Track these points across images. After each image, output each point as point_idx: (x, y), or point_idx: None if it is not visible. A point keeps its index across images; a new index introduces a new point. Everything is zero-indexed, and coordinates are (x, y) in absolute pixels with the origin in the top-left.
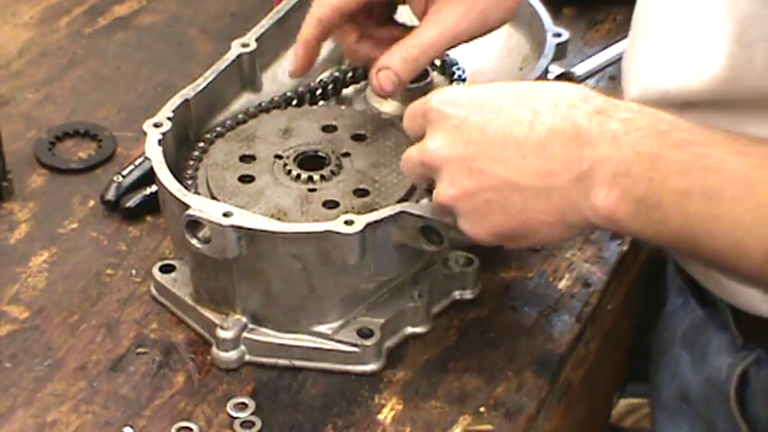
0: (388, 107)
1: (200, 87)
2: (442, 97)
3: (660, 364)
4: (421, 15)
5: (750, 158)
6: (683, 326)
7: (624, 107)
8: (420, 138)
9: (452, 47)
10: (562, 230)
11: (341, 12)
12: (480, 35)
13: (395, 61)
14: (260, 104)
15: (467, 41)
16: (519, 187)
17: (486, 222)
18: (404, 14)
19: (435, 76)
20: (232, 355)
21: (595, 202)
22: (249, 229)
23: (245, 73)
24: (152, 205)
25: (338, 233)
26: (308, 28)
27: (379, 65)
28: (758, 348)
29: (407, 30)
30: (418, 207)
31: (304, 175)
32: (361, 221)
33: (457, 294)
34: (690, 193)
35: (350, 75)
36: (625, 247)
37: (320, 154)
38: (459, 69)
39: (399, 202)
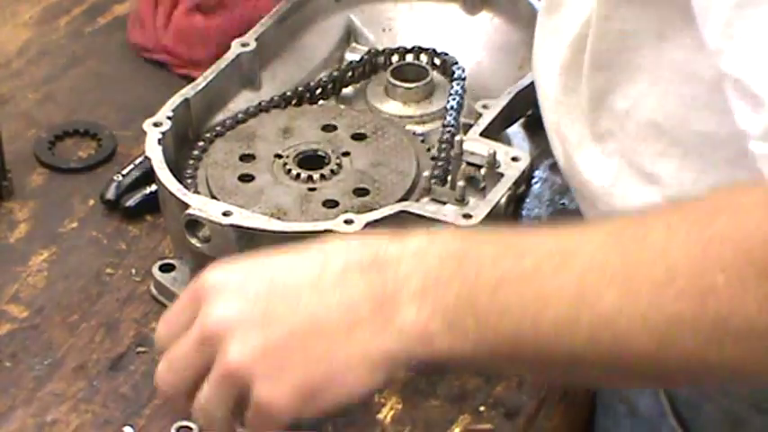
0: (388, 107)
1: (200, 86)
2: (212, 271)
3: None
4: None
5: (562, 236)
6: None
7: (419, 232)
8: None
9: None
10: (370, 375)
11: None
12: None
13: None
14: (260, 104)
15: None
16: (319, 329)
17: (287, 379)
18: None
19: (435, 75)
20: None
21: (404, 323)
22: (249, 228)
23: (245, 72)
24: (152, 204)
25: (338, 232)
26: None
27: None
28: None
29: None
30: (418, 206)
31: (304, 175)
32: (360, 221)
33: None
34: (504, 280)
35: (350, 74)
36: None
37: (320, 153)
38: (459, 69)
39: (399, 201)
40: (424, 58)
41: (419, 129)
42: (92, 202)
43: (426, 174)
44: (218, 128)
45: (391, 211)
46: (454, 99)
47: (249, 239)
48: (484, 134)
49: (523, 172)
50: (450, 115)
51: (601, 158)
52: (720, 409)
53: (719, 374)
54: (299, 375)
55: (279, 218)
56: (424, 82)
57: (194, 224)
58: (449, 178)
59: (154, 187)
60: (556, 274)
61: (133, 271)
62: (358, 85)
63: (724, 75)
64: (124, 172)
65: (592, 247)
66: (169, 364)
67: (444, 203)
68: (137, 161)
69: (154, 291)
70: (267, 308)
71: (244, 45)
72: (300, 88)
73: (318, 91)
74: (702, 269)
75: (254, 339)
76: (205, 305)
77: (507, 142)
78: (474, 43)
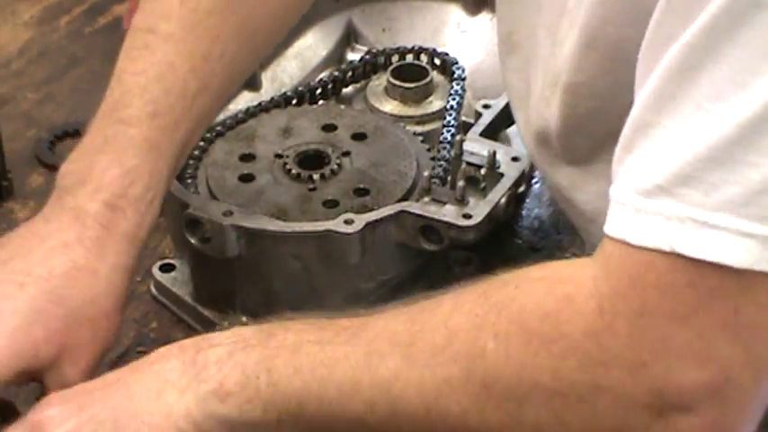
0: (388, 107)
1: None
2: (46, 402)
3: None
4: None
5: (365, 315)
6: None
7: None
8: None
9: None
10: None
11: None
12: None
13: None
14: (260, 104)
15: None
16: (131, 396)
17: None
18: None
19: (435, 75)
20: None
21: (204, 380)
22: (249, 228)
23: None
24: None
25: (338, 232)
26: None
27: None
28: None
29: None
30: (418, 206)
31: (304, 175)
32: (360, 221)
33: None
34: (302, 345)
35: (350, 74)
36: None
37: (320, 153)
38: (459, 69)
39: (399, 201)
40: (424, 58)
41: (419, 129)
42: None
43: (426, 174)
44: (218, 128)
45: (391, 211)
46: (454, 99)
47: (249, 239)
48: (484, 134)
49: (523, 172)
50: (450, 115)
51: (581, 177)
52: None
53: None
54: None
55: (279, 218)
56: (424, 82)
57: (194, 224)
58: (449, 178)
59: None
60: (348, 341)
61: None
62: (358, 85)
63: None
64: None
65: (385, 318)
66: None
67: (444, 203)
68: None
69: (154, 291)
70: (89, 401)
71: None
72: (300, 88)
73: (318, 91)
74: (476, 335)
75: (70, 420)
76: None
77: (507, 142)
78: (474, 43)
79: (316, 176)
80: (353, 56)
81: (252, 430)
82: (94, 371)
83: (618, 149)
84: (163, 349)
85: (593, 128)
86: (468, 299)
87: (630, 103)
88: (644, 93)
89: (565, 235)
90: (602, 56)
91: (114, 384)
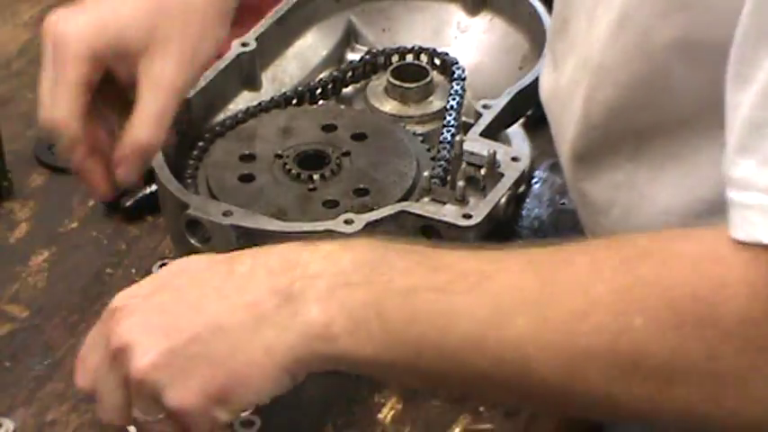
0: (388, 107)
1: (200, 86)
2: (120, 294)
3: None
4: (127, 79)
5: (482, 257)
6: None
7: (333, 240)
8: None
9: (178, 104)
10: (274, 373)
11: (79, 118)
12: (196, 81)
13: (129, 150)
14: (260, 103)
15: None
16: (222, 329)
17: (193, 383)
18: None
19: (435, 75)
20: None
21: (307, 320)
22: (249, 228)
23: (245, 72)
24: (152, 205)
25: (338, 232)
26: (72, 156)
27: (116, 159)
28: None
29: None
30: (418, 206)
31: (304, 175)
32: (360, 221)
33: None
34: (416, 289)
35: (350, 74)
36: None
37: (320, 153)
38: (458, 69)
39: (399, 201)
40: (424, 58)
41: (419, 129)
42: (92, 202)
43: (426, 174)
44: (218, 128)
45: (391, 211)
46: (454, 99)
47: (249, 240)
48: (484, 134)
49: (523, 172)
50: (450, 115)
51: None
52: None
53: (627, 412)
54: (204, 378)
55: (279, 218)
56: (424, 82)
57: (194, 224)
58: (449, 178)
59: (154, 187)
60: (469, 293)
61: (133, 271)
62: (358, 85)
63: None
64: None
65: (510, 271)
66: (99, 399)
67: (444, 203)
68: None
69: None
70: (170, 318)
71: (244, 45)
72: (300, 88)
73: (318, 91)
74: (622, 308)
75: (156, 347)
76: (112, 327)
77: (507, 142)
78: (474, 43)
79: (316, 176)
80: (353, 56)
81: (362, 367)
82: (188, 80)
83: (730, 153)
84: (243, 268)
85: (611, 121)
86: (606, 264)
87: (645, 103)
88: (754, 92)
89: (565, 235)
90: (629, 40)
91: (199, 311)
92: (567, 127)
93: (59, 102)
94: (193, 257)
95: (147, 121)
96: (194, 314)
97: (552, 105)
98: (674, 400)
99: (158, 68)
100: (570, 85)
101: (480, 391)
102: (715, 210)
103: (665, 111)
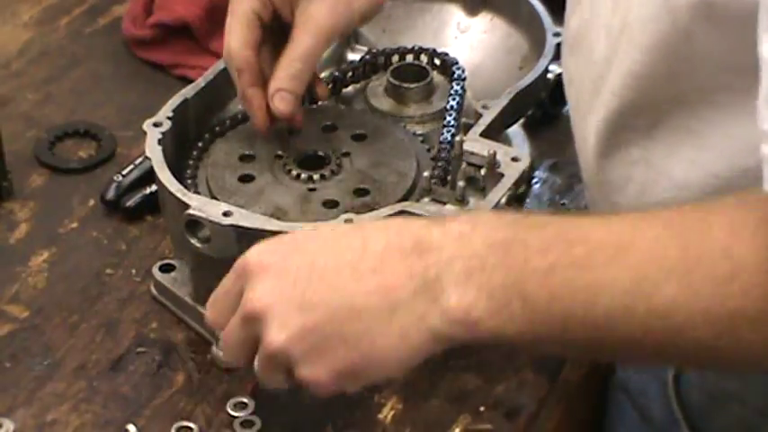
0: (388, 107)
1: (200, 87)
2: (257, 249)
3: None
4: (290, 19)
5: (614, 226)
6: None
7: (461, 216)
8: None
9: (329, 45)
10: (409, 355)
11: (252, 52)
12: (352, 27)
13: (283, 81)
14: None
15: (341, 37)
16: (357, 311)
17: (326, 361)
18: None
19: (435, 75)
20: None
21: (447, 306)
22: (249, 228)
23: None
24: (152, 205)
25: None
26: (240, 85)
27: (272, 89)
28: None
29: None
30: (418, 206)
31: (304, 175)
32: (360, 221)
33: None
34: (555, 267)
35: (350, 74)
36: None
37: (320, 153)
38: (459, 69)
39: (399, 201)
40: (424, 58)
41: (419, 129)
42: (92, 202)
43: (426, 174)
44: (218, 128)
45: (391, 212)
46: (454, 99)
47: (249, 240)
48: (484, 134)
49: (523, 172)
50: (450, 115)
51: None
52: (733, 417)
53: None
54: (338, 358)
55: (279, 218)
56: (424, 82)
57: (194, 224)
58: (449, 178)
59: (154, 187)
60: (609, 265)
61: (133, 271)
62: (358, 86)
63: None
64: (124, 172)
65: (648, 239)
66: (225, 345)
67: (444, 204)
68: (137, 161)
69: (154, 291)
70: (306, 290)
71: None
72: None
73: None
74: (767, 268)
75: (292, 322)
76: (247, 287)
77: (507, 142)
78: (474, 43)
79: (316, 177)
80: (353, 56)
81: (506, 342)
82: (338, 25)
83: (762, 108)
84: (377, 246)
85: (631, 92)
86: (745, 226)
87: (666, 72)
88: None
89: None
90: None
91: (334, 289)
92: (587, 104)
93: (232, 31)
94: (321, 225)
95: (296, 59)
96: (330, 292)
97: (573, 84)
98: None
99: (313, 10)
100: (591, 61)
101: (628, 357)
102: (730, 186)
103: (684, 81)
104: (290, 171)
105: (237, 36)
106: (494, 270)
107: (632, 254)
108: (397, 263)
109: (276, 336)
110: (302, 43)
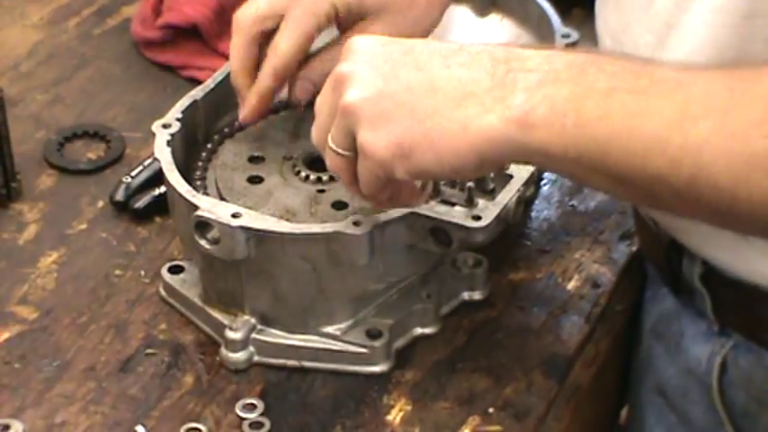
0: None
1: (209, 88)
2: (359, 37)
3: (633, 359)
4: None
5: (682, 67)
6: (651, 318)
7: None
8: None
9: None
10: (463, 149)
11: (298, 59)
12: None
13: (314, 73)
14: None
15: None
16: (434, 90)
17: (389, 129)
18: None
19: None
20: (241, 355)
21: (510, 106)
22: (258, 230)
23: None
24: (161, 206)
25: (347, 234)
26: (265, 80)
27: (300, 75)
28: (735, 334)
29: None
30: (427, 208)
31: (313, 176)
32: (369, 222)
33: (466, 295)
34: (616, 90)
35: None
36: (634, 248)
37: None
38: None
39: None
40: None
41: None
42: (101, 203)
43: None
44: (226, 129)
45: (400, 213)
46: None
47: (258, 241)
48: None
49: (532, 173)
50: None
51: None
52: None
53: None
54: (401, 128)
55: (288, 219)
56: None
57: (203, 226)
58: (458, 180)
59: (163, 189)
60: (662, 96)
61: (142, 272)
62: None
63: None
64: (133, 174)
65: (704, 79)
66: (315, 122)
67: (453, 205)
68: (146, 163)
69: (163, 292)
70: (395, 65)
71: None
72: None
73: None
74: None
75: (372, 85)
76: (344, 61)
77: None
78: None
79: (324, 178)
80: None
81: (549, 161)
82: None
83: None
84: (472, 49)
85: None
86: None
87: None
88: None
89: (573, 237)
90: None
91: (421, 69)
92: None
93: (286, 38)
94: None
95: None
96: (415, 70)
97: (617, 41)
98: None
99: (377, 32)
100: (650, 14)
101: (652, 196)
102: None
103: None
104: (298, 172)
105: (291, 44)
106: (564, 84)
107: (685, 90)
108: (484, 63)
109: (353, 93)
110: None
